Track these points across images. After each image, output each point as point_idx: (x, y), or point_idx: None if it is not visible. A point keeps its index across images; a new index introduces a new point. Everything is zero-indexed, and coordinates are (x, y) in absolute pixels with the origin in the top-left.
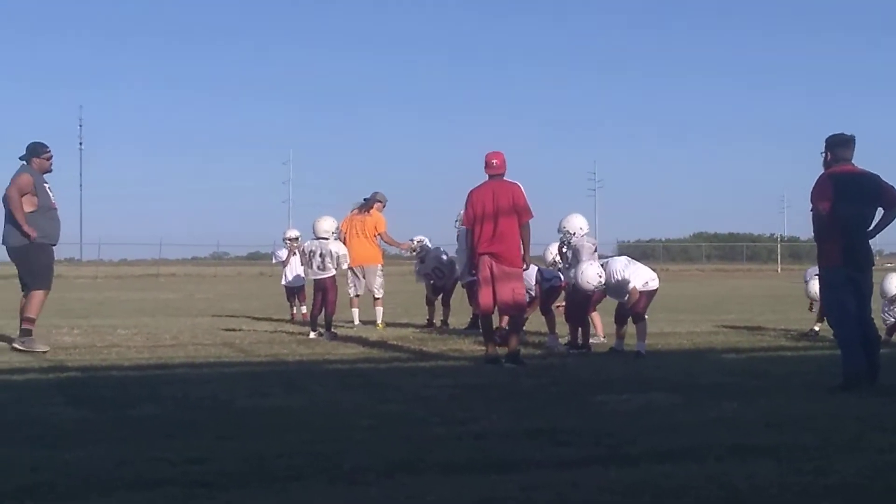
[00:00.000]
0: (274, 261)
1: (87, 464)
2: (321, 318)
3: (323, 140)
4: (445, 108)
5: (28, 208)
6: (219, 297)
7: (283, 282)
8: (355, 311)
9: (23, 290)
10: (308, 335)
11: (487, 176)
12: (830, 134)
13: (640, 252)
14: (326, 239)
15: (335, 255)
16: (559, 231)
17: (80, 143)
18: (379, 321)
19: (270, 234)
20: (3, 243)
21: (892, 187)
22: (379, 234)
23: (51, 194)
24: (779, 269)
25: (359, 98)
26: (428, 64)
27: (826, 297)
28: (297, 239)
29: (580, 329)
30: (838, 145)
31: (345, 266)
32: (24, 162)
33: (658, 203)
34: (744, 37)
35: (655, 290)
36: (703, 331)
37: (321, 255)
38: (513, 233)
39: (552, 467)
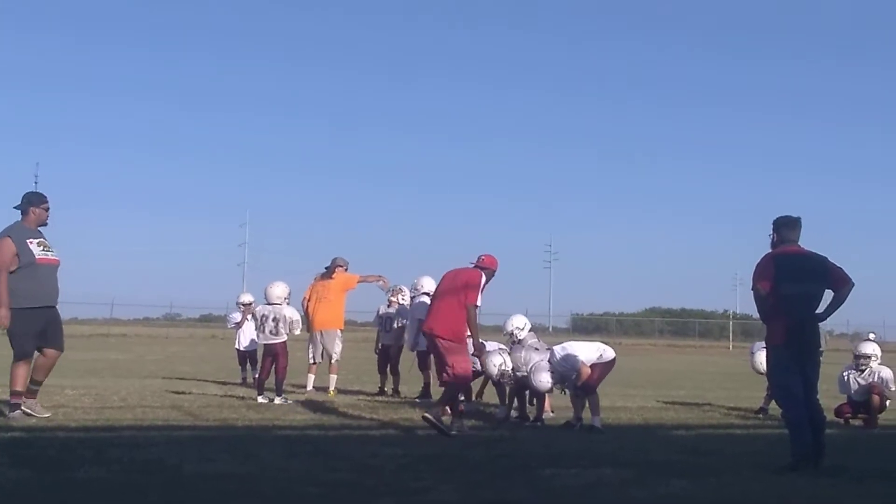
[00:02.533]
0: (229, 325)
1: None
2: (270, 382)
3: (280, 203)
4: (403, 177)
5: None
6: (169, 359)
7: (237, 345)
8: (311, 376)
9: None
10: (256, 400)
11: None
12: (779, 216)
13: (594, 325)
14: (279, 304)
15: (288, 321)
16: (504, 333)
17: None
18: (331, 388)
19: (224, 296)
20: None
21: (840, 269)
22: (358, 283)
23: (35, 250)
24: (730, 347)
25: (318, 163)
26: (386, 134)
27: (772, 376)
28: (251, 304)
29: (535, 401)
30: (784, 226)
31: (297, 332)
32: (20, 212)
33: (612, 277)
34: (699, 116)
35: (613, 361)
36: (653, 406)
37: (274, 319)
38: (452, 312)
39: None
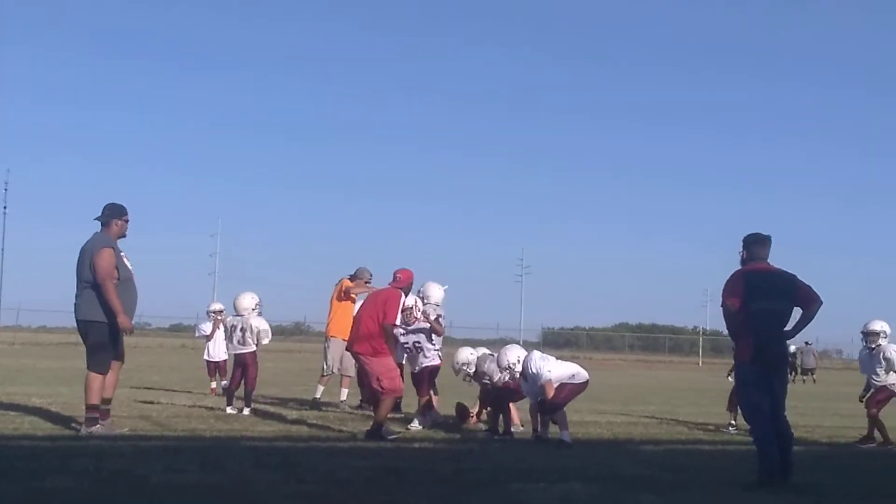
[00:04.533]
0: (197, 334)
1: None
2: (240, 392)
3: (253, 213)
4: (376, 189)
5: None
6: (138, 368)
7: (206, 356)
8: (320, 387)
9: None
10: (225, 410)
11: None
12: (748, 233)
13: (564, 339)
14: (246, 315)
15: (255, 331)
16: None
17: (5, 207)
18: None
19: (194, 305)
20: (74, 313)
21: (809, 287)
22: (354, 294)
23: (128, 263)
24: (700, 362)
25: (290, 173)
26: (359, 145)
27: (739, 393)
28: (221, 311)
29: (501, 416)
30: (754, 244)
31: (265, 341)
32: (101, 224)
33: (583, 291)
34: (671, 133)
35: (585, 383)
36: (623, 421)
37: (242, 329)
38: (371, 330)
39: None
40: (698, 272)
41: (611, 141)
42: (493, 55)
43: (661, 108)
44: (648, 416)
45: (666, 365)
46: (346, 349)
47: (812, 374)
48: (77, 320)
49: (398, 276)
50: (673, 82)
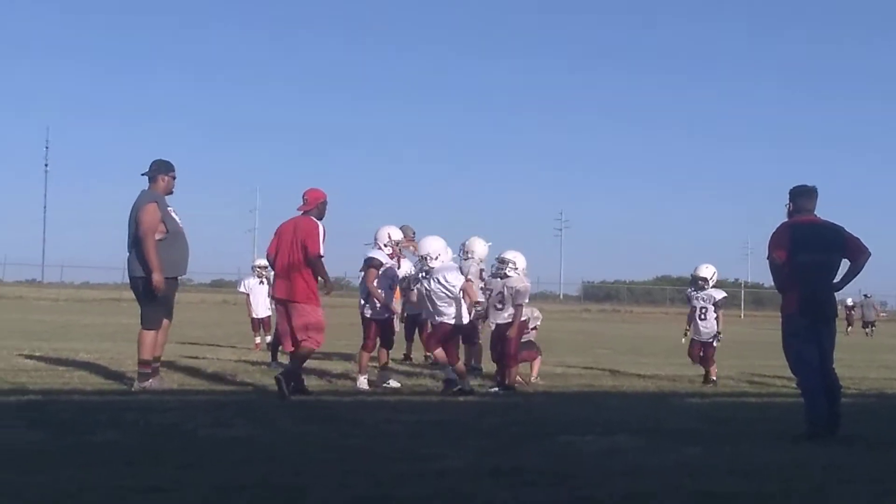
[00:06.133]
0: (240, 288)
1: (50, 489)
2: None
3: (292, 170)
4: (415, 147)
5: (156, 237)
6: (181, 324)
7: (252, 314)
8: None
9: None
10: (270, 365)
11: (301, 212)
12: (794, 185)
13: (605, 293)
14: None
15: None
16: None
17: (46, 165)
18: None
19: (235, 261)
20: (127, 270)
21: (857, 238)
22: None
23: (176, 217)
24: (741, 315)
25: (327, 132)
26: (398, 102)
27: (785, 345)
28: (266, 267)
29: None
30: (800, 196)
31: None
32: (148, 179)
33: (623, 245)
34: (710, 88)
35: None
36: (666, 374)
37: None
38: (302, 270)
39: None
40: (739, 225)
41: (650, 96)
42: (540, 15)
43: (700, 59)
44: (691, 368)
45: None
46: (270, 296)
47: (872, 326)
48: (130, 277)
49: (306, 197)
50: (711, 34)
